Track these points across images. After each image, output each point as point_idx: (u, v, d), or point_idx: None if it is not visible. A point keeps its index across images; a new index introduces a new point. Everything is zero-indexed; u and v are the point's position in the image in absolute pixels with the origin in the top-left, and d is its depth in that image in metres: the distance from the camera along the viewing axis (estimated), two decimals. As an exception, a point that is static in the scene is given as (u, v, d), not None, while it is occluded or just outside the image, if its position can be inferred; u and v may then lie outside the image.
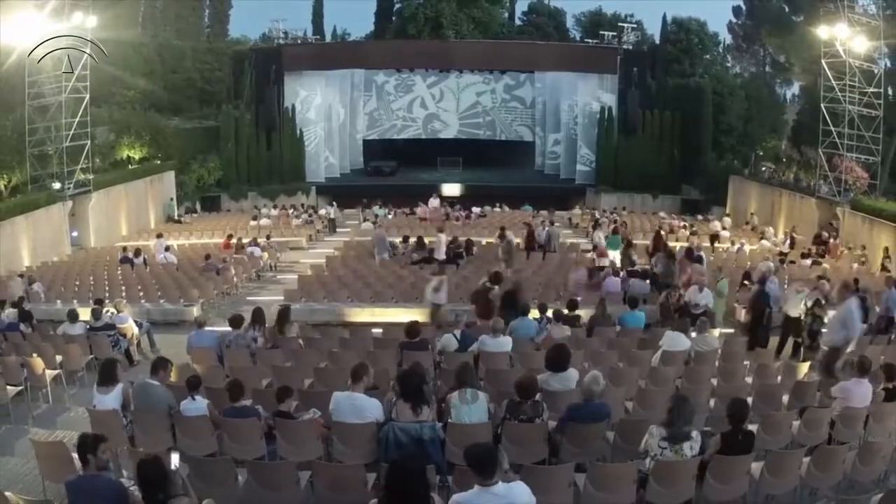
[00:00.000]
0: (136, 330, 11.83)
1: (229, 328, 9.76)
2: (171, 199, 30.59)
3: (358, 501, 5.29)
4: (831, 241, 22.78)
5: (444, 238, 18.49)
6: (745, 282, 14.96)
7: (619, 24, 40.30)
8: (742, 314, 13.93)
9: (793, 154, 30.99)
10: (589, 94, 37.13)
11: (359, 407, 6.29)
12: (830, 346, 9.72)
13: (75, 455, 5.99)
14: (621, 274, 14.88)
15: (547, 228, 21.77)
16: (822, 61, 23.74)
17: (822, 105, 24.26)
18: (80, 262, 20.13)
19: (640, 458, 5.81)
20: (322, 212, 30.13)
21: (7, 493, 5.05)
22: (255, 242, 20.89)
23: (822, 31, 23.57)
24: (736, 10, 41.86)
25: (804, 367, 9.20)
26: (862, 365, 7.30)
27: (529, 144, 41.71)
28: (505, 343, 8.93)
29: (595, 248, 18.67)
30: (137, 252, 19.12)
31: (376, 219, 28.12)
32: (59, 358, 9.89)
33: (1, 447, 7.71)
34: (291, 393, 6.71)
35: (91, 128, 23.70)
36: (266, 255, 20.23)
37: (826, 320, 10.60)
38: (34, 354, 9.56)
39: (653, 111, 36.15)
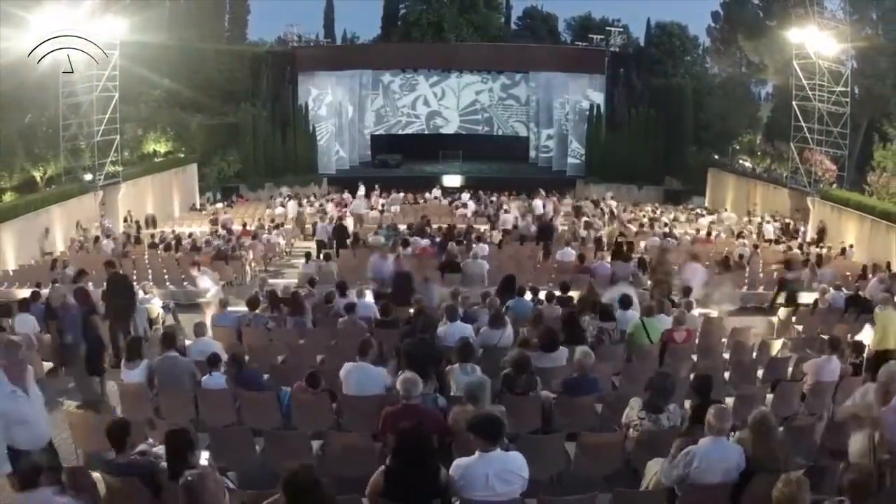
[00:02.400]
0: (160, 311, 11.79)
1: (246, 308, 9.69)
2: None
3: (366, 468, 5.25)
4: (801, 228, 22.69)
5: None
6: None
7: (607, 27, 39.84)
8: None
9: (767, 148, 30.82)
10: (579, 93, 36.82)
11: (367, 375, 6.31)
12: None
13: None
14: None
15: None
16: (794, 63, 23.51)
17: (793, 103, 24.06)
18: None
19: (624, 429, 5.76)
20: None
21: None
22: (277, 227, 20.73)
23: (794, 35, 23.27)
24: (714, 16, 41.47)
25: (777, 344, 9.16)
26: (832, 343, 7.32)
27: (524, 139, 41.41)
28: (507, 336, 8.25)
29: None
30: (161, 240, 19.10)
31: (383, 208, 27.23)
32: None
33: (37, 418, 7.65)
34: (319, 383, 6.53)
35: (120, 124, 23.59)
36: (282, 241, 20.12)
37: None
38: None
39: (638, 108, 35.85)
